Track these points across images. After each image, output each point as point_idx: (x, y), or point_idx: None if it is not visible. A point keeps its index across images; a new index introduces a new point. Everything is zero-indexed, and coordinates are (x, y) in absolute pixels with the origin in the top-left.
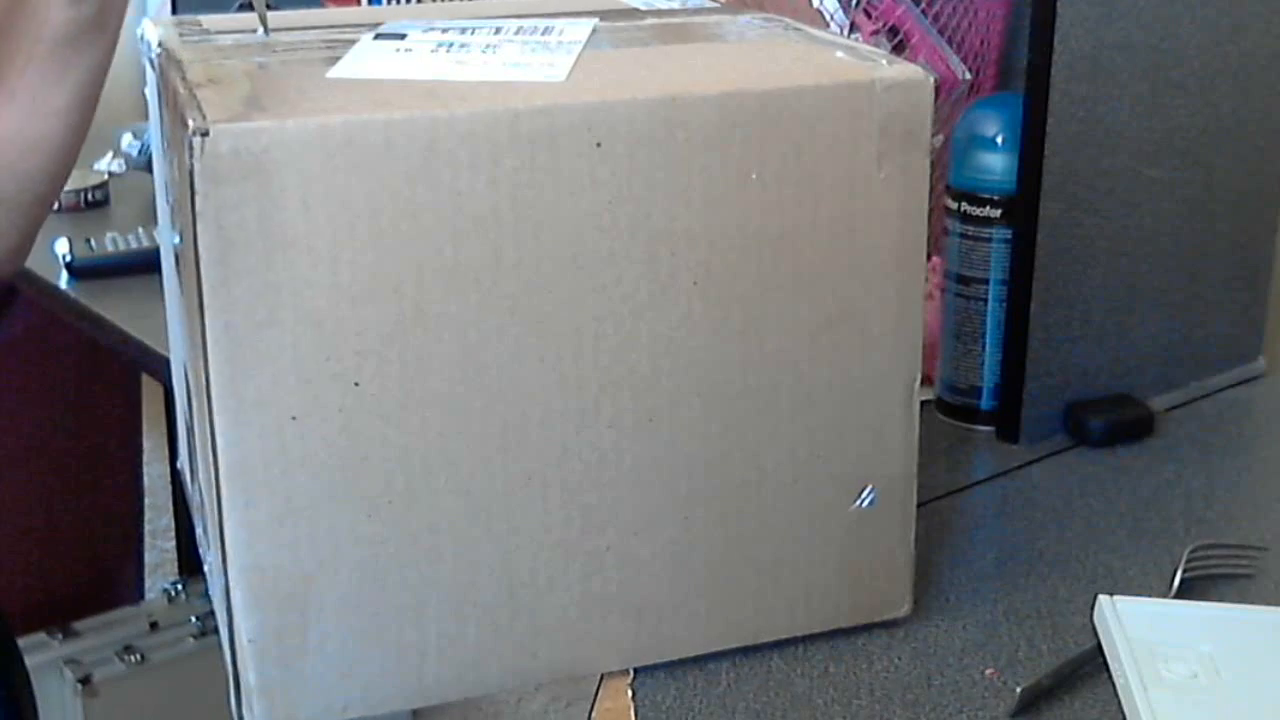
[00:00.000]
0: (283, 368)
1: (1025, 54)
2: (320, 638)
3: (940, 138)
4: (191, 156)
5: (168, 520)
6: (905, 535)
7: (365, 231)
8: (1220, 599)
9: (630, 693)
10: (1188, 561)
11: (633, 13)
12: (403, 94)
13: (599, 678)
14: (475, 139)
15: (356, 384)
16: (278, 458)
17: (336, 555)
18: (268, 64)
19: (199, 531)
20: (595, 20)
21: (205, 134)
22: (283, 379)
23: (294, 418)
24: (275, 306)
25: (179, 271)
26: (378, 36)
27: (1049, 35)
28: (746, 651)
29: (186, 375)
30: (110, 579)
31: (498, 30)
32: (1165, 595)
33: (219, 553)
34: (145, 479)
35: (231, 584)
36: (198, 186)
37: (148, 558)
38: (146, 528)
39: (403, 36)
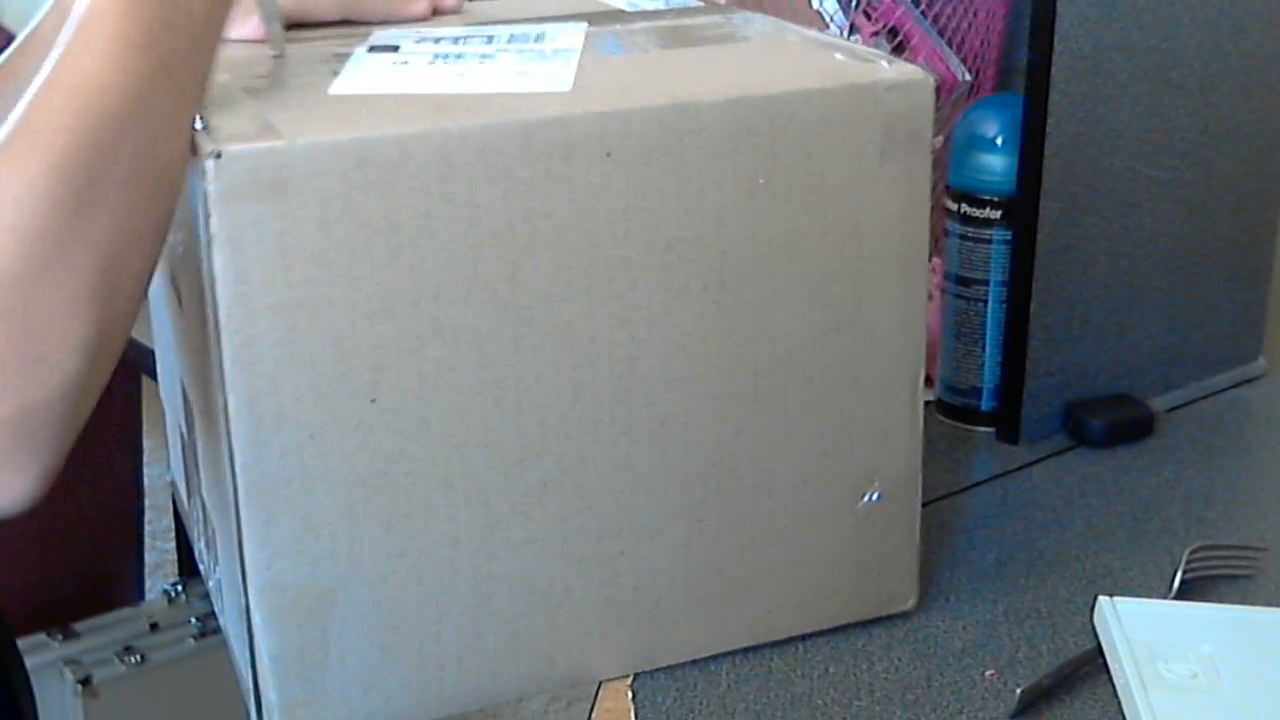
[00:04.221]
0: (301, 385)
1: (1025, 54)
2: (341, 652)
3: (940, 138)
4: (205, 179)
5: (168, 521)
6: (911, 529)
7: (382, 247)
8: (1220, 599)
9: (630, 693)
10: (1188, 562)
11: (619, 15)
12: (411, 108)
13: None
14: (490, 152)
15: (374, 400)
16: (297, 475)
17: (356, 570)
18: (266, 81)
19: (198, 547)
20: (585, 25)
21: (218, 156)
22: (301, 397)
23: (312, 436)
24: (292, 324)
25: (177, 288)
26: (372, 49)
27: (1049, 35)
28: (746, 652)
29: (184, 392)
30: (110, 580)
31: (490, 39)
32: (1165, 596)
33: (238, 572)
34: (145, 479)
35: (252, 604)
36: (210, 209)
37: (148, 559)
38: (147, 528)
39: (396, 49)
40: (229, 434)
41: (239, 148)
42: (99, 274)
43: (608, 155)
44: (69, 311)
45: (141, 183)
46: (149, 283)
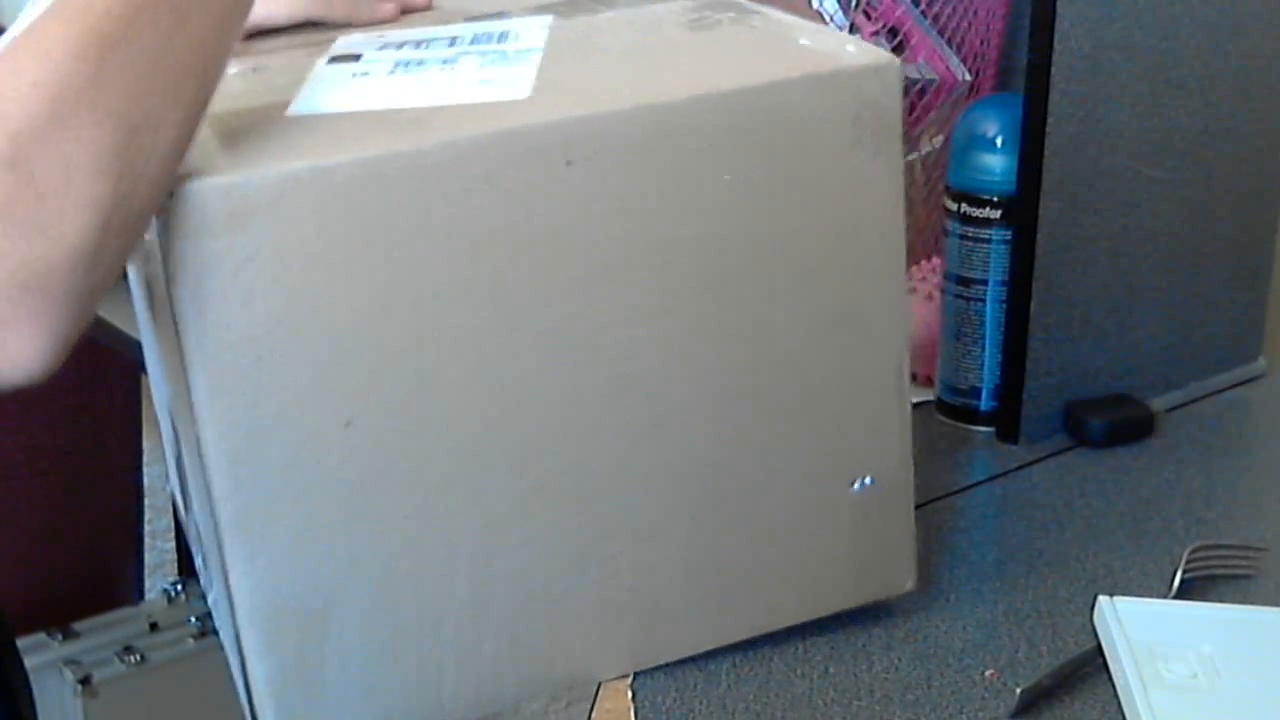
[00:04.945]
0: (276, 411)
1: (1025, 54)
2: (340, 662)
3: (940, 138)
4: (163, 214)
5: (168, 521)
6: (905, 513)
7: (349, 271)
8: (1220, 599)
9: (630, 693)
10: (1188, 562)
11: (586, 4)
12: (368, 128)
13: None
14: (450, 170)
15: (348, 424)
16: (284, 492)
17: (353, 579)
18: (223, 102)
19: (198, 561)
20: (550, 17)
21: (171, 193)
22: (278, 422)
23: (296, 455)
24: (261, 355)
25: (154, 313)
26: (332, 60)
27: (1049, 35)
28: (746, 652)
29: (171, 408)
30: (110, 579)
31: (452, 42)
32: (1165, 596)
33: (224, 594)
34: (145, 479)
35: (242, 629)
36: (171, 245)
37: (148, 558)
38: (146, 528)
39: (357, 58)
40: (204, 466)
41: (196, 183)
42: (118, 140)
43: (568, 164)
44: (85, 169)
45: (169, 61)
46: (172, 171)
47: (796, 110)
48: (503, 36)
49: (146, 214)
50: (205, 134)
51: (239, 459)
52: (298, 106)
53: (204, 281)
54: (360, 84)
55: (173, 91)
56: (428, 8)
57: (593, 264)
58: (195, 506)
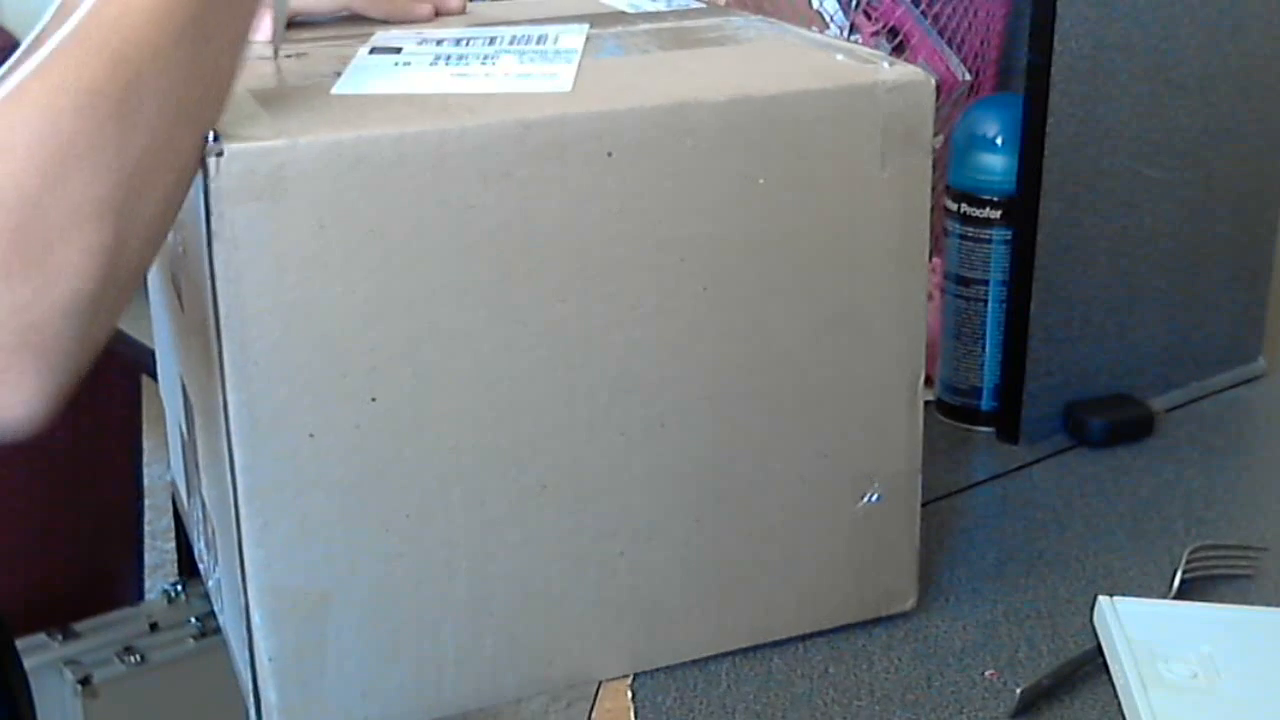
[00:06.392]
0: (299, 386)
1: (1025, 54)
2: (339, 654)
3: (940, 138)
4: (206, 177)
5: (168, 521)
6: (910, 529)
7: (378, 248)
8: (1220, 599)
9: (630, 694)
10: (1188, 562)
11: (621, 16)
12: (411, 108)
13: None
14: (486, 152)
15: (373, 400)
16: (295, 477)
17: (354, 572)
18: (270, 81)
19: (198, 547)
20: (587, 26)
21: (220, 154)
22: (299, 398)
23: (311, 435)
24: (290, 324)
25: (178, 287)
26: (373, 50)
27: (1049, 35)
28: (746, 652)
29: (184, 389)
30: (110, 580)
31: (492, 40)
32: (1165, 596)
33: (237, 573)
34: (145, 479)
35: (251, 604)
36: (213, 207)
37: (148, 559)
38: (146, 528)
39: (398, 50)
40: (229, 434)
41: (240, 146)
42: (119, 187)
43: (609, 155)
44: (85, 221)
45: (179, 106)
46: (172, 218)
47: (827, 120)
48: (541, 39)
49: (144, 263)
50: (251, 105)
51: (260, 428)
52: (341, 87)
53: (243, 245)
54: (403, 72)
55: (178, 132)
56: (461, 13)
57: (608, 260)
58: (205, 483)
